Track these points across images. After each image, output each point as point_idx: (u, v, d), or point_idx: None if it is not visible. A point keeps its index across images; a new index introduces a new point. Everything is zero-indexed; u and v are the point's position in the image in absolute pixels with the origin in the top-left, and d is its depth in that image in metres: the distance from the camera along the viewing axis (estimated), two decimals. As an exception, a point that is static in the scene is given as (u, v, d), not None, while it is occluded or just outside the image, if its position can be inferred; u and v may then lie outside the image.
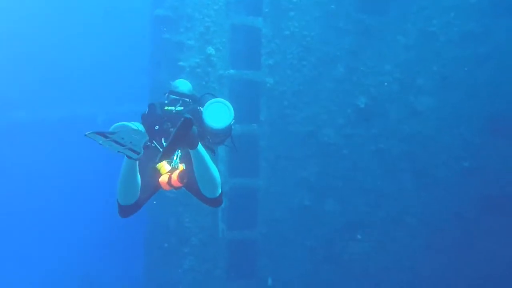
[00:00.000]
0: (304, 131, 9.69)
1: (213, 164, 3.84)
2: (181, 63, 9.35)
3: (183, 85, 4.45)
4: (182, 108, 4.12)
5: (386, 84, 9.64)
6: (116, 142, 3.24)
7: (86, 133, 3.13)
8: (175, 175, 3.78)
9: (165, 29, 9.40)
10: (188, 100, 4.24)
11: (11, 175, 14.15)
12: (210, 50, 9.34)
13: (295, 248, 9.84)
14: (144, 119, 3.98)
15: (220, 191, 3.96)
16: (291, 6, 9.55)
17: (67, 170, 14.31)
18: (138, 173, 3.67)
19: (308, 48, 9.62)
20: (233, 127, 4.16)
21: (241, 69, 9.57)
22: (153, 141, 3.92)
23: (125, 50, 13.95)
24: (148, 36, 10.15)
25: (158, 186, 3.89)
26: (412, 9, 9.65)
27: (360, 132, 9.72)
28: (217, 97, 4.15)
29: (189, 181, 3.85)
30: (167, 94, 4.35)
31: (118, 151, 3.33)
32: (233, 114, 3.97)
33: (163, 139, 3.90)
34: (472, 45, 9.57)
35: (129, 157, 3.45)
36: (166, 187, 3.83)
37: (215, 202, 4.01)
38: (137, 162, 3.59)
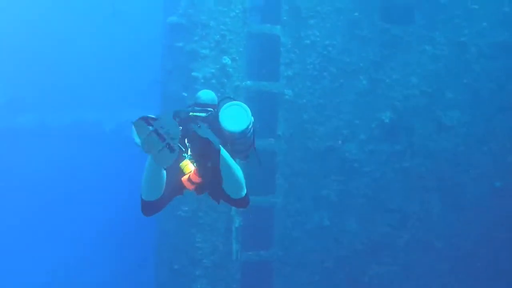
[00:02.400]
0: (324, 146, 9.18)
1: (236, 164, 3.80)
2: (194, 73, 8.89)
3: (206, 95, 4.40)
4: (207, 114, 4.07)
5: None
6: (158, 134, 3.24)
7: (133, 121, 3.22)
8: (194, 172, 3.76)
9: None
10: (211, 110, 4.14)
11: (15, 180, 13.83)
12: (226, 59, 8.94)
13: (313, 270, 9.35)
14: None
15: (245, 191, 3.94)
16: (311, 13, 9.06)
17: (72, 179, 13.96)
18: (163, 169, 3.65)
19: (329, 58, 9.11)
20: (253, 134, 4.05)
21: (258, 80, 9.10)
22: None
23: (137, 58, 13.57)
24: (161, 43, 9.66)
25: (182, 186, 3.84)
26: (440, 17, 9.12)
27: (384, 148, 9.21)
28: (235, 100, 4.04)
29: (212, 183, 3.83)
30: (191, 106, 4.29)
31: (158, 150, 3.28)
32: (251, 117, 3.86)
33: (186, 139, 3.85)
34: (505, 57, 9.02)
35: (163, 163, 3.38)
36: (188, 185, 3.78)
37: (242, 202, 4.01)
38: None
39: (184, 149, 3.80)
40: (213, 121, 3.89)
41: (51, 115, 13.91)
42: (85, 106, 13.77)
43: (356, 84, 9.16)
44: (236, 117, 3.84)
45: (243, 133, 3.87)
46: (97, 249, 13.34)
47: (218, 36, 8.94)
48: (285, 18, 9.07)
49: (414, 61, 9.15)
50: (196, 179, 3.73)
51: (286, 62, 9.09)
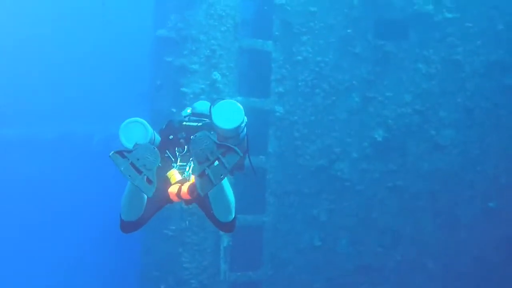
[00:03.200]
0: (315, 165, 8.99)
1: (228, 184, 3.66)
2: (184, 89, 8.68)
3: (203, 105, 4.39)
4: (201, 124, 4.05)
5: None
6: (133, 166, 3.22)
7: (110, 154, 3.19)
8: (185, 187, 3.64)
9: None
10: (206, 120, 4.10)
11: (3, 193, 13.48)
12: (216, 75, 8.74)
13: (303, 291, 9.10)
14: (161, 132, 4.00)
15: (233, 216, 3.80)
16: (304, 29, 8.89)
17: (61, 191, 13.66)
18: None
19: (321, 75, 8.94)
20: (247, 137, 4.04)
21: (249, 96, 8.88)
22: (167, 151, 3.89)
23: (126, 70, 13.34)
24: (150, 57, 9.43)
25: (166, 199, 3.75)
26: (434, 35, 8.98)
27: (376, 167, 9.03)
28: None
29: (203, 200, 3.75)
30: (187, 117, 4.27)
31: (135, 184, 3.26)
32: (244, 115, 3.75)
33: (176, 149, 3.88)
34: (499, 75, 8.89)
35: (144, 192, 3.34)
36: (175, 199, 3.70)
37: (227, 227, 3.84)
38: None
39: (173, 159, 3.82)
40: (207, 128, 3.79)
41: (38, 128, 13.63)
42: (73, 119, 13.53)
43: (348, 101, 8.99)
44: (229, 114, 3.72)
45: (236, 131, 3.76)
46: (81, 266, 13.02)
47: (208, 51, 8.75)
48: (277, 33, 8.90)
49: (408, 78, 9.01)
50: (187, 196, 3.62)
51: (277, 78, 8.91)
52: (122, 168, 3.20)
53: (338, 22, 8.91)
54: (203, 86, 8.73)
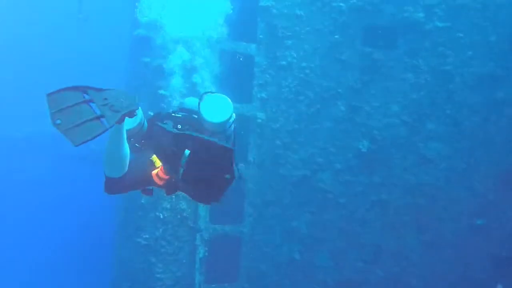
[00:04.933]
0: (297, 175, 8.66)
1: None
2: (162, 91, 8.30)
3: (192, 102, 4.34)
4: (188, 115, 4.06)
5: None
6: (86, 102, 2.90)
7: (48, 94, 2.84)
8: (160, 169, 3.76)
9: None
10: (195, 116, 4.06)
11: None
12: (196, 78, 8.36)
13: (280, 306, 8.76)
14: (149, 120, 4.02)
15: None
16: (289, 33, 8.54)
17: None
18: (125, 141, 3.50)
19: (306, 81, 8.61)
20: (234, 134, 4.04)
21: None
22: (163, 121, 3.90)
23: (100, 71, 12.91)
24: (126, 58, 9.04)
25: (150, 180, 3.84)
26: (424, 44, 8.64)
27: (360, 179, 8.72)
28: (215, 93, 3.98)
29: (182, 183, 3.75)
30: (175, 111, 4.28)
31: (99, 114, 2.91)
32: (232, 109, 3.81)
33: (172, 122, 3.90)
34: (490, 88, 8.58)
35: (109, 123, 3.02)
36: (156, 180, 3.79)
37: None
38: (123, 127, 3.36)
39: (167, 129, 3.76)
40: (193, 121, 3.88)
41: (10, 126, 13.19)
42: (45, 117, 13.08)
43: (333, 110, 8.67)
44: (217, 108, 3.76)
45: (223, 126, 3.76)
46: (50, 272, 12.55)
47: (188, 52, 8.39)
48: (261, 36, 8.56)
49: (395, 88, 8.68)
50: (163, 175, 3.72)
51: (260, 83, 8.58)
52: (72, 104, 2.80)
53: (325, 27, 8.57)
54: (182, 89, 8.38)
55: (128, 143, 3.71)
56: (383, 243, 8.81)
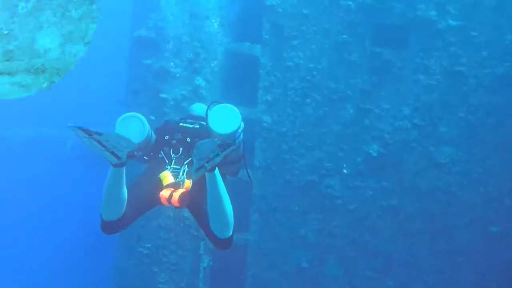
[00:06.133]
0: (304, 180, 8.35)
1: (228, 197, 3.55)
2: (163, 95, 8.06)
3: (200, 108, 4.33)
4: (198, 126, 4.00)
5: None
6: (100, 143, 3.06)
7: (69, 124, 2.93)
8: (177, 194, 3.56)
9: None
10: (203, 123, 4.01)
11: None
12: (199, 80, 8.17)
13: (287, 316, 8.48)
14: (157, 130, 4.00)
15: (231, 233, 3.61)
16: (295, 33, 8.23)
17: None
18: (124, 186, 3.50)
19: (313, 83, 8.29)
20: (243, 143, 3.96)
21: (234, 104, 8.17)
22: (161, 151, 3.87)
23: (100, 74, 12.67)
24: (126, 60, 8.73)
25: (156, 201, 3.65)
26: (436, 43, 8.28)
27: (370, 185, 8.38)
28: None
29: (199, 210, 3.71)
30: (184, 118, 4.25)
31: (100, 153, 3.17)
32: (241, 120, 3.76)
33: (171, 150, 3.83)
34: (505, 90, 8.23)
35: (109, 161, 3.30)
36: (165, 203, 3.61)
37: (223, 243, 3.62)
38: (123, 172, 3.44)
39: (167, 160, 3.76)
40: (203, 134, 3.78)
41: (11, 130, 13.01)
42: (47, 122, 12.89)
43: (342, 113, 8.34)
44: (225, 119, 3.69)
45: (232, 137, 3.69)
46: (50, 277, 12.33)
47: (191, 54, 8.15)
48: (266, 36, 8.26)
49: (406, 90, 8.33)
50: (176, 204, 3.54)
51: (265, 85, 8.29)
52: (86, 140, 3.01)
53: (333, 27, 8.24)
54: (184, 92, 8.14)
55: (137, 156, 3.81)
56: (394, 251, 8.48)
